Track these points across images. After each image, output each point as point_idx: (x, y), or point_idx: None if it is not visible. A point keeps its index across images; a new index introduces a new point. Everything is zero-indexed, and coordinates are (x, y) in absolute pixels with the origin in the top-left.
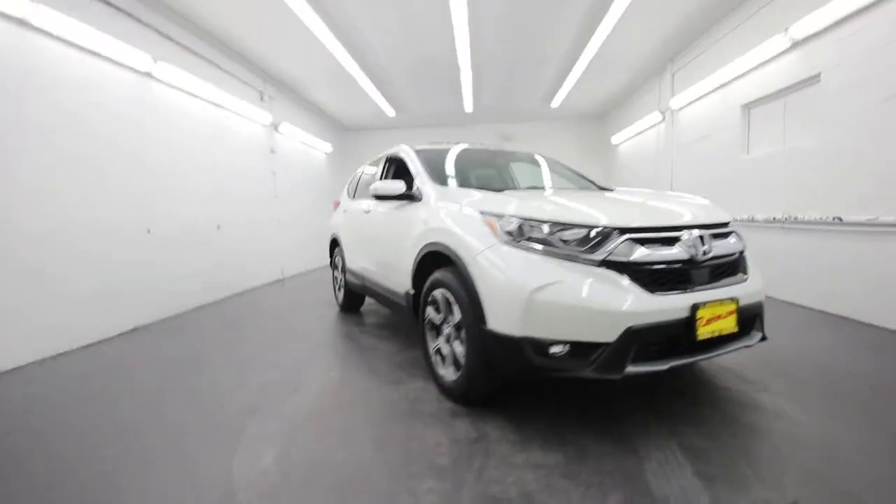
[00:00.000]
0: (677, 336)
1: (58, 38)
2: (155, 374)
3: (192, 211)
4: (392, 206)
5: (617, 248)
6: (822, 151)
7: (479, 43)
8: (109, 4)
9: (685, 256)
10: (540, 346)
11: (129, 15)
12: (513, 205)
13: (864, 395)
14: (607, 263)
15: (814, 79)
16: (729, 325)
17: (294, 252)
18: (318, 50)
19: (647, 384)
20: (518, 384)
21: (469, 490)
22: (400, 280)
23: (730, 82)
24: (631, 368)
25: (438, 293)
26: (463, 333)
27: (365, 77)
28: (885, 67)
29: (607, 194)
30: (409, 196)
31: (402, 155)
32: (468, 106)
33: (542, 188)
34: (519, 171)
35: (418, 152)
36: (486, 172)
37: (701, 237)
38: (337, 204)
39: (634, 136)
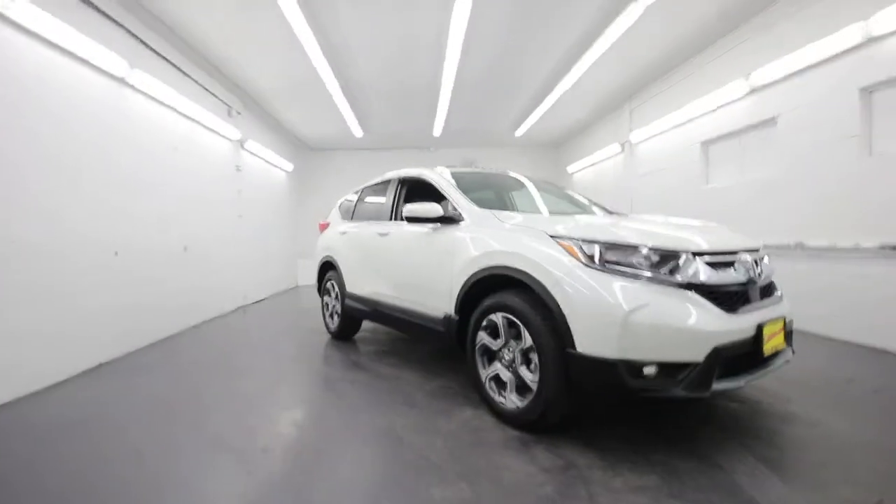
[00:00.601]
0: (747, 353)
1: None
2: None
3: (160, 230)
4: (424, 228)
5: (696, 270)
6: (779, 183)
7: (466, 66)
8: None
9: (745, 279)
10: (634, 367)
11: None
12: (588, 229)
13: (866, 399)
14: (688, 286)
15: (771, 121)
16: (780, 341)
17: (258, 275)
18: (300, 61)
19: (682, 405)
20: (590, 409)
21: None
22: (437, 304)
23: (690, 120)
24: (716, 386)
25: (498, 317)
26: (536, 358)
27: (341, 94)
28: (835, 114)
29: (640, 218)
30: (447, 219)
31: (429, 177)
32: (437, 129)
33: (567, 212)
34: (526, 195)
35: (452, 174)
36: (499, 194)
37: (754, 260)
38: (324, 226)
39: (591, 166)
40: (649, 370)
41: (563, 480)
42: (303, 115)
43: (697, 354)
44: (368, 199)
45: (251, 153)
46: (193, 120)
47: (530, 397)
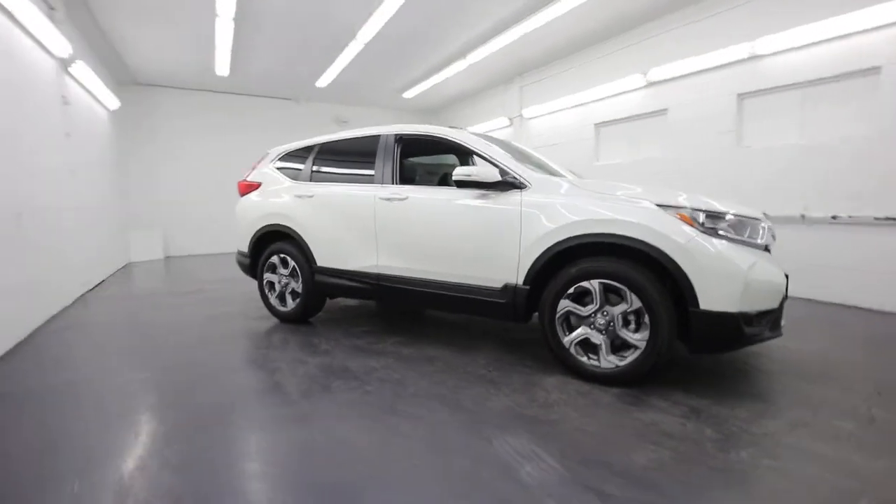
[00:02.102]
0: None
1: None
2: None
3: None
4: (467, 194)
5: (765, 234)
6: (666, 164)
7: (397, 20)
8: None
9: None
10: (748, 317)
11: None
12: (689, 199)
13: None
14: (765, 247)
15: (662, 111)
16: None
17: (94, 252)
18: None
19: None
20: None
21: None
22: (494, 274)
23: (585, 104)
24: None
25: (594, 284)
26: (647, 318)
27: (231, 16)
28: (716, 112)
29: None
30: (506, 184)
31: (456, 137)
32: (324, 80)
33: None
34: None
35: (488, 136)
36: None
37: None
38: (249, 187)
39: None
40: (757, 318)
41: (707, 422)
42: (156, 33)
43: (775, 302)
44: (341, 157)
45: (77, 81)
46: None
47: (635, 355)
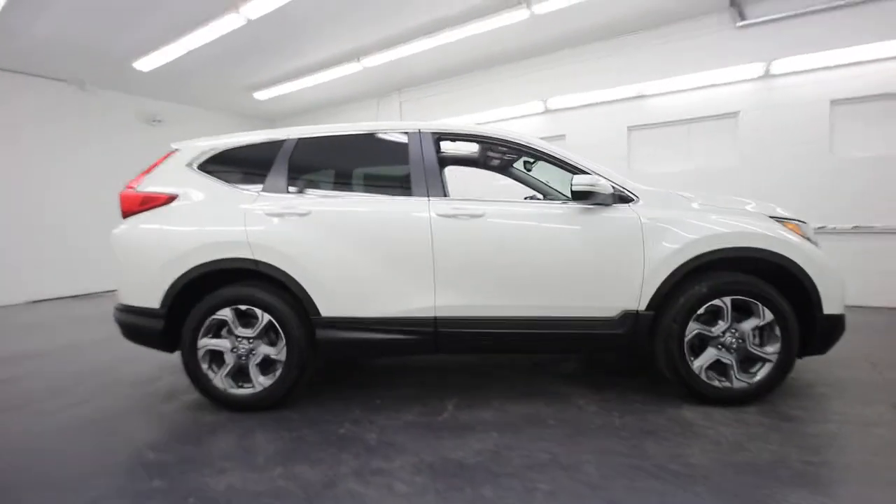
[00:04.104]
0: None
1: None
2: None
3: None
4: (567, 209)
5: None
6: None
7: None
8: None
9: None
10: (844, 317)
11: None
12: (783, 210)
13: None
14: None
15: (561, 137)
16: None
17: None
18: None
19: None
20: None
21: None
22: (608, 302)
23: (488, 122)
24: None
25: (726, 301)
26: (777, 331)
27: None
28: (611, 140)
29: None
30: (614, 196)
31: (535, 143)
32: (151, 61)
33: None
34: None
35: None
36: None
37: None
38: (148, 200)
39: None
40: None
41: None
42: None
43: None
44: (341, 159)
45: None
46: None
47: (767, 369)
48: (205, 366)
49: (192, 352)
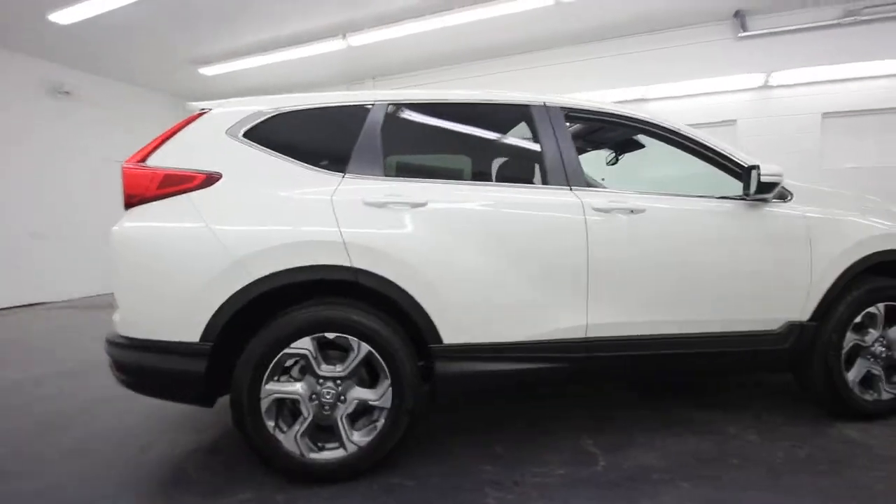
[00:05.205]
0: None
1: None
2: None
3: None
4: (727, 205)
5: None
6: None
7: None
8: None
9: None
10: None
11: None
12: None
13: None
14: None
15: None
16: None
17: None
18: None
19: None
20: None
21: None
22: (777, 313)
23: None
24: None
25: (881, 307)
26: None
27: None
28: None
29: None
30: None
31: (685, 131)
32: (71, 14)
33: None
34: None
35: None
36: None
37: None
38: (171, 180)
39: None
40: None
41: None
42: None
43: None
44: (446, 136)
45: None
46: None
47: None
48: (271, 423)
49: (252, 404)
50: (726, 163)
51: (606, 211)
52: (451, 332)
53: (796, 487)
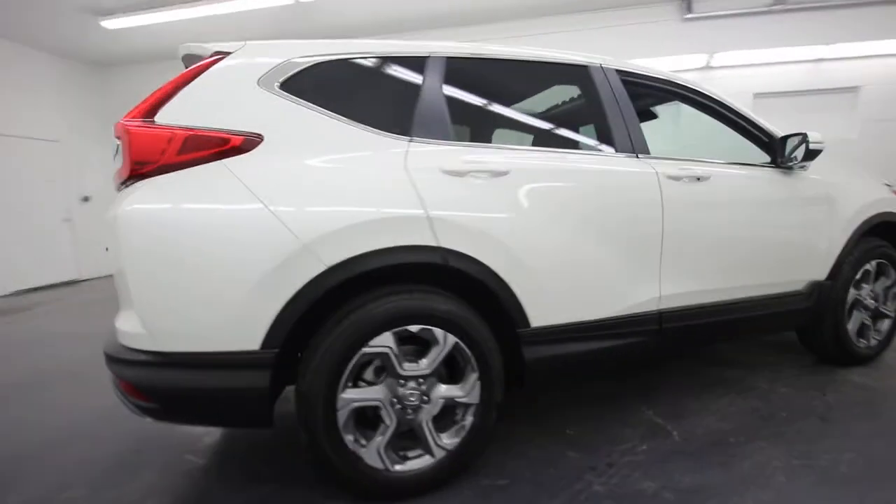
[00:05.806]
0: None
1: None
2: None
3: None
4: (765, 171)
5: None
6: None
7: None
8: None
9: None
10: None
11: None
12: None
13: None
14: None
15: None
16: None
17: None
18: None
19: None
20: None
21: None
22: (802, 274)
23: None
24: None
25: (873, 264)
26: None
27: None
28: None
29: None
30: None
31: (730, 103)
32: None
33: None
34: None
35: None
36: None
37: None
38: (165, 143)
39: None
40: None
41: None
42: None
43: None
44: (515, 94)
45: None
46: None
47: (888, 324)
48: (350, 437)
49: (328, 417)
50: (758, 133)
51: (678, 179)
52: (539, 313)
53: (852, 431)
